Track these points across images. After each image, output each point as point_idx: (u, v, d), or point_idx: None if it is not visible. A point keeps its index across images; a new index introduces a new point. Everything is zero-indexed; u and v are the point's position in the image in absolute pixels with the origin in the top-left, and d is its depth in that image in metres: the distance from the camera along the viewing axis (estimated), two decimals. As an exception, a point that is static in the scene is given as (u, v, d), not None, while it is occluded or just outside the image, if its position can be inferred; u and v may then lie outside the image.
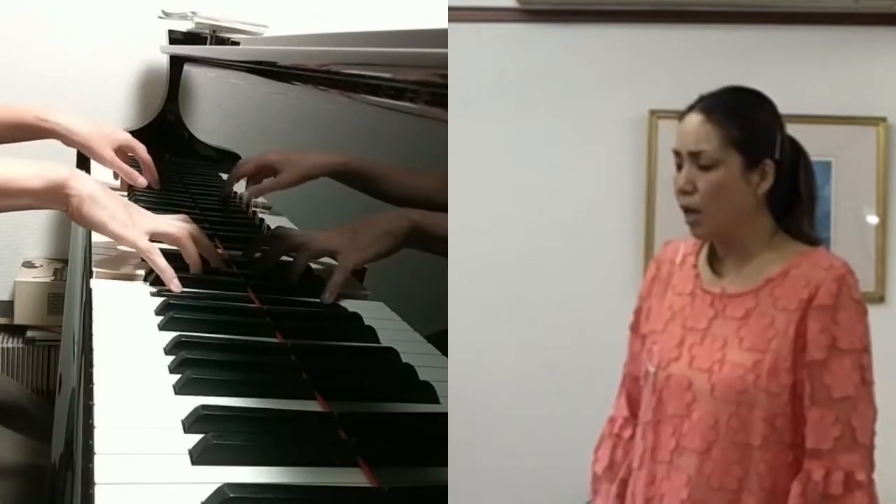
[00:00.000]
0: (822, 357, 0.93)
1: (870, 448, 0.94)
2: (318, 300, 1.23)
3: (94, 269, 1.31)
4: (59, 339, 1.69)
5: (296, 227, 1.52)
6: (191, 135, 2.60)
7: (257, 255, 1.42)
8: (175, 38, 2.77)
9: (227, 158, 2.14)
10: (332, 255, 1.27)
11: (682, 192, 0.97)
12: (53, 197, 1.28)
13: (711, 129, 0.96)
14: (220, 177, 2.15)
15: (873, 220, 1.70)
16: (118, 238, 1.30)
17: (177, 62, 2.77)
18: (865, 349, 0.95)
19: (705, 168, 0.96)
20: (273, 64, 1.74)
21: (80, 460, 0.78)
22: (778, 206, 0.99)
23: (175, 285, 1.26)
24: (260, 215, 1.70)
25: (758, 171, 0.97)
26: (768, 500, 0.94)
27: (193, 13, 2.69)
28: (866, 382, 0.94)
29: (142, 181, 1.87)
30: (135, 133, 2.70)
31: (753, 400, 0.94)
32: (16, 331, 2.74)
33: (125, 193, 1.86)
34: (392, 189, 1.16)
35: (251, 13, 2.76)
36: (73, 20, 2.87)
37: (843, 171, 1.70)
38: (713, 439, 0.95)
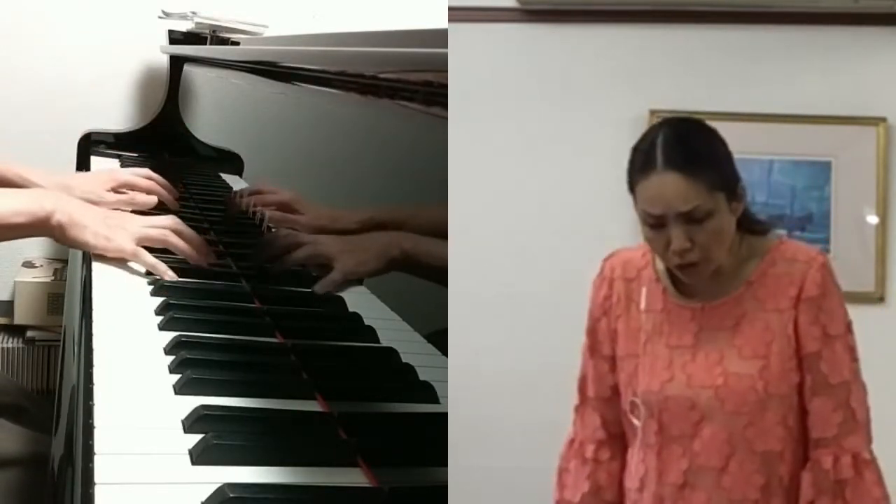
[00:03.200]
0: (817, 348, 0.94)
1: (867, 424, 0.96)
2: (311, 290, 1.23)
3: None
4: (59, 339, 1.69)
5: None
6: (191, 135, 2.60)
7: (259, 251, 1.43)
8: (175, 38, 2.77)
9: (227, 158, 2.14)
10: (330, 259, 1.27)
11: (682, 251, 0.93)
12: (40, 229, 1.35)
13: (695, 184, 0.92)
14: (220, 177, 2.14)
15: (873, 220, 1.70)
16: (104, 252, 1.36)
17: (177, 62, 2.76)
18: (849, 329, 0.96)
19: (699, 220, 0.92)
20: (273, 64, 1.74)
21: (80, 460, 0.78)
22: None
23: (170, 275, 1.31)
24: (260, 215, 1.70)
25: (735, 199, 0.95)
26: (790, 498, 0.95)
27: (193, 13, 2.69)
28: (855, 360, 0.96)
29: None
30: (135, 133, 2.72)
31: (766, 405, 0.94)
32: (16, 331, 2.74)
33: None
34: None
35: (251, 13, 2.76)
36: (73, 20, 2.87)
37: (843, 171, 1.70)
38: (730, 453, 0.95)
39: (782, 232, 1.00)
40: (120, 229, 1.38)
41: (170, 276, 1.31)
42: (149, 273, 1.33)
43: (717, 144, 0.96)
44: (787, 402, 0.95)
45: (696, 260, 0.94)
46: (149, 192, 1.80)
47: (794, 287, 0.95)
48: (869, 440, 0.96)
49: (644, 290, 1.00)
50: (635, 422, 0.99)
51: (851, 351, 0.95)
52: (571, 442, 1.07)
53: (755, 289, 0.96)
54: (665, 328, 0.98)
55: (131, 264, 1.37)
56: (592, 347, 1.05)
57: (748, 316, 0.96)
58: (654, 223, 0.93)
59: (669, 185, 0.92)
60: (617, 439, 1.04)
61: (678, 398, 0.96)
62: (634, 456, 1.01)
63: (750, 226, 0.99)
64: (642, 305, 1.00)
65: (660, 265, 1.01)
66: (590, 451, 1.04)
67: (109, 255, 1.36)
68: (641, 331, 0.99)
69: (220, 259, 1.44)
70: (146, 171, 1.88)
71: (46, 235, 1.36)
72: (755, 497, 0.95)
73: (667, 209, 0.92)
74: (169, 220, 1.42)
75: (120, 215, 1.46)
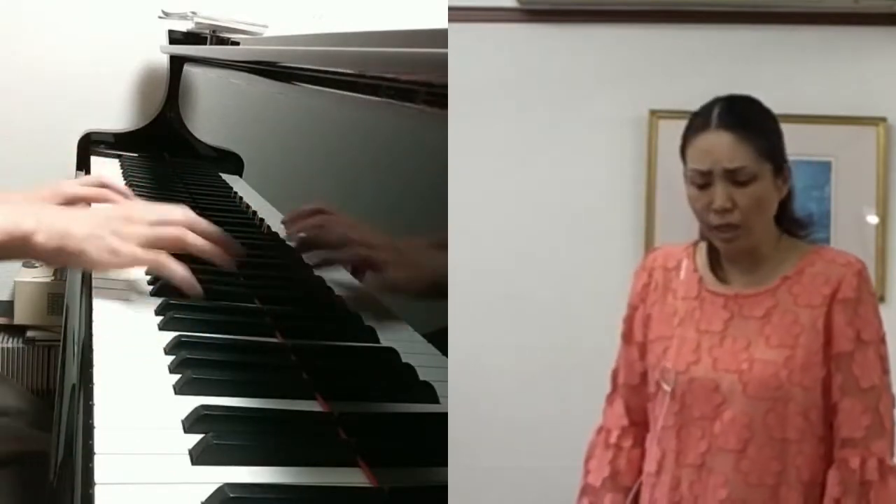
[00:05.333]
0: (850, 349, 0.96)
1: (892, 434, 0.97)
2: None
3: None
4: (59, 339, 1.69)
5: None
6: (191, 135, 2.60)
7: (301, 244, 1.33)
8: (175, 38, 2.77)
9: (227, 158, 2.14)
10: (378, 267, 1.16)
11: (723, 211, 0.96)
12: (19, 251, 1.12)
13: (744, 145, 0.96)
14: (220, 177, 2.15)
15: (873, 220, 1.70)
16: (114, 269, 1.18)
17: (177, 62, 2.77)
18: (882, 339, 0.98)
19: (743, 183, 0.96)
20: (273, 64, 1.74)
21: (80, 460, 0.78)
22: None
23: (198, 291, 1.15)
24: (260, 216, 1.70)
25: (781, 177, 0.98)
26: (807, 493, 0.97)
27: (193, 13, 2.69)
28: (886, 371, 0.98)
29: None
30: (135, 133, 2.73)
31: (789, 395, 0.96)
32: (16, 331, 2.74)
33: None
34: None
35: (251, 13, 2.76)
36: (72, 20, 2.87)
37: (843, 171, 1.70)
38: (749, 437, 0.96)
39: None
40: (127, 230, 1.16)
41: (198, 291, 1.15)
42: (149, 272, 1.27)
43: (769, 120, 1.00)
44: (811, 397, 0.96)
45: (735, 222, 0.96)
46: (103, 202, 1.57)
47: (829, 287, 0.97)
48: (894, 449, 0.97)
49: (681, 278, 1.03)
50: (664, 387, 1.00)
51: (883, 360, 0.98)
52: (599, 429, 1.09)
53: (791, 284, 0.98)
54: (697, 314, 1.01)
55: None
56: (626, 335, 1.08)
57: (780, 308, 0.98)
58: (701, 182, 0.97)
59: (719, 143, 0.96)
60: (640, 427, 1.06)
61: (702, 380, 0.98)
62: (653, 440, 1.03)
63: (790, 224, 1.01)
64: (678, 293, 1.02)
65: (700, 257, 1.03)
66: (613, 436, 1.07)
67: (120, 270, 1.19)
68: (675, 316, 1.02)
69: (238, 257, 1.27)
70: (95, 178, 1.65)
71: (29, 258, 1.15)
72: (771, 483, 0.96)
73: (714, 165, 0.96)
74: (179, 213, 1.21)
75: (123, 210, 1.27)
